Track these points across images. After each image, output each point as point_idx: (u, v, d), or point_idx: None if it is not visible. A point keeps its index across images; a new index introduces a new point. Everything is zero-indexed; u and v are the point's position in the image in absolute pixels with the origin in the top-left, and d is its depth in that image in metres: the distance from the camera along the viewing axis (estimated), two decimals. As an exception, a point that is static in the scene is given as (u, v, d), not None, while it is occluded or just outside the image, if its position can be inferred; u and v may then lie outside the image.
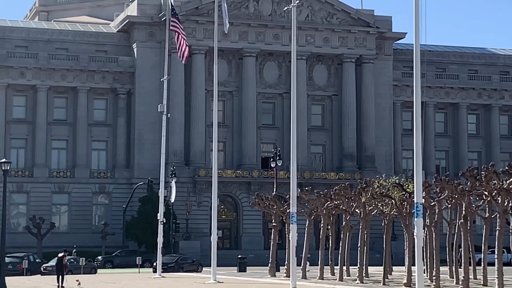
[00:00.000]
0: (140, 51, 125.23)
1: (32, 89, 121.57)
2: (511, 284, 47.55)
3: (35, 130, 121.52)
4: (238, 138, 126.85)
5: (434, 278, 48.16)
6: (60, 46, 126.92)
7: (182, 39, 75.49)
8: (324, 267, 67.07)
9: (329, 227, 68.13)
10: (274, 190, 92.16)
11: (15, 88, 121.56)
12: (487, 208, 49.33)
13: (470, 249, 49.78)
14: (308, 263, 68.18)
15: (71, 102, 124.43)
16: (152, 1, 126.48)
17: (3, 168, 55.04)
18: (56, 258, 65.49)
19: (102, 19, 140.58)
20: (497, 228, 42.95)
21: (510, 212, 44.66)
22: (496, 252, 42.54)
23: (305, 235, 67.79)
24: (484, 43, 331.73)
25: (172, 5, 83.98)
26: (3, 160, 57.09)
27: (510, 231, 48.71)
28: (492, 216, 47.87)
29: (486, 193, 44.02)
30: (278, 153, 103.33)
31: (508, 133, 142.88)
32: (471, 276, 50.65)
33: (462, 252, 49.00)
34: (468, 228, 49.51)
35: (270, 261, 75.38)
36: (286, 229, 66.88)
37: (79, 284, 56.06)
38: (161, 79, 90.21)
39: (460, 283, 46.66)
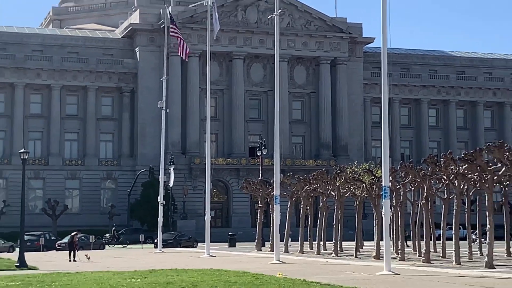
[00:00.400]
0: (142, 55, 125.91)
1: (47, 88, 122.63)
2: (466, 255, 48.76)
3: (50, 124, 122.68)
4: (228, 130, 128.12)
5: (399, 251, 50.61)
6: (72, 50, 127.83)
7: (182, 41, 78.26)
8: (304, 242, 68.86)
9: (308, 207, 69.61)
10: (260, 175, 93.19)
11: (32, 87, 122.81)
12: (445, 190, 51.87)
13: (431, 226, 51.62)
14: (290, 239, 70.71)
15: (82, 99, 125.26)
16: (152, 11, 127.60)
17: (22, 157, 56.65)
18: (69, 236, 67.33)
19: (109, 27, 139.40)
20: (454, 207, 45.72)
21: (465, 193, 48.50)
22: (453, 229, 45.97)
23: (287, 215, 69.51)
24: (443, 46, 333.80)
25: (170, 14, 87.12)
26: (22, 150, 58.56)
27: (465, 210, 50.42)
28: (450, 197, 51.13)
29: (445, 177, 47.09)
30: (263, 143, 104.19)
31: (464, 125, 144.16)
32: (432, 250, 52.19)
33: (424, 229, 50.01)
34: (429, 207, 51.40)
35: (256, 238, 77.45)
36: (270, 210, 70.28)
37: (89, 258, 58.77)
38: (161, 79, 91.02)
39: (422, 255, 48.35)
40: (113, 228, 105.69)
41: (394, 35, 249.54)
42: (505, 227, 53.00)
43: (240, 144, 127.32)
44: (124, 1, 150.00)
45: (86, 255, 60.28)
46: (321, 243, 65.91)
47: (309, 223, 71.20)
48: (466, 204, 50.58)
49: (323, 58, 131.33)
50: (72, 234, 65.48)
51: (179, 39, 76.02)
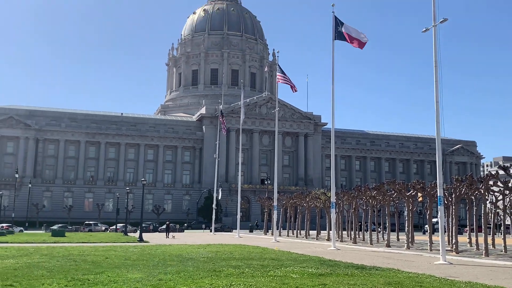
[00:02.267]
0: (206, 129, 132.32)
1: (156, 146, 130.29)
2: (379, 240, 51.63)
3: (157, 166, 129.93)
4: (249, 170, 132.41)
5: (341, 237, 52.95)
6: (170, 127, 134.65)
7: (224, 124, 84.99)
8: (289, 231, 74.47)
9: (291, 212, 75.21)
10: (266, 194, 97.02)
11: (148, 147, 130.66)
12: (364, 204, 53.50)
13: (356, 224, 53.29)
14: (281, 229, 73.84)
15: (174, 153, 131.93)
16: (212, 107, 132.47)
17: (142, 183, 61.00)
18: (165, 224, 73.81)
19: (189, 115, 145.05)
20: (369, 214, 50.15)
21: (374, 206, 50.62)
22: (368, 225, 49.85)
23: (280, 215, 72.29)
24: (363, 126, 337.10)
25: (221, 109, 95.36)
26: (143, 179, 62.60)
27: (375, 214, 52.90)
28: (366, 208, 53.59)
29: (364, 197, 50.68)
30: (268, 177, 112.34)
31: (374, 170, 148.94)
32: (360, 237, 54.51)
33: (353, 225, 53.31)
34: (355, 214, 54.94)
35: (264, 227, 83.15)
36: (271, 213, 68.99)
37: (174, 237, 63.43)
38: (215, 142, 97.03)
39: (352, 240, 52.27)
40: (189, 221, 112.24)
41: (337, 121, 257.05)
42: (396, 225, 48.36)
43: (256, 177, 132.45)
44: (197, 102, 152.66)
45: (173, 236, 65.42)
46: (299, 231, 70.72)
47: (292, 221, 75.81)
48: (375, 212, 52.66)
49: (300, 133, 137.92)
50: (167, 223, 72.70)
51: (223, 123, 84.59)
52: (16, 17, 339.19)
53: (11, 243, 45.12)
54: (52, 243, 46.16)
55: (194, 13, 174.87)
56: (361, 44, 39.96)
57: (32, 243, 45.77)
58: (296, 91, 54.99)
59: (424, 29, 31.81)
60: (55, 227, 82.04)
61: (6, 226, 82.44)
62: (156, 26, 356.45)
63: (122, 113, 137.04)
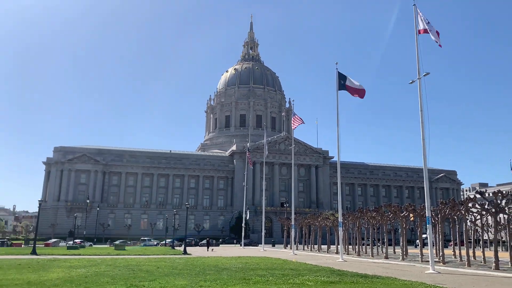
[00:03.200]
0: (236, 163, 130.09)
1: (197, 176, 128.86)
2: (378, 252, 50.68)
3: (198, 192, 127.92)
4: (271, 195, 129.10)
5: (347, 253, 48.93)
6: (209, 161, 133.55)
7: (249, 158, 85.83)
8: (304, 246, 72.59)
9: (306, 230, 73.59)
10: (285, 215, 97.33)
11: (190, 177, 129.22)
12: (367, 223, 53.03)
13: (359, 239, 52.24)
14: (297, 244, 72.73)
15: (210, 182, 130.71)
16: (241, 144, 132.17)
17: (186, 206, 61.06)
18: (205, 240, 74.27)
19: (223, 151, 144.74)
20: (370, 231, 50.74)
21: (375, 225, 50.15)
22: (370, 240, 49.34)
23: (297, 233, 72.33)
24: (364, 158, 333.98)
25: (248, 147, 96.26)
26: (186, 203, 62.17)
27: (375, 231, 51.97)
28: (367, 226, 52.83)
29: (366, 217, 50.25)
30: (286, 201, 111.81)
31: (373, 194, 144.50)
32: (364, 250, 52.88)
33: (357, 240, 52.38)
34: (359, 231, 53.82)
35: (283, 243, 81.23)
36: (290, 230, 70.37)
37: (213, 250, 63.25)
38: (244, 173, 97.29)
39: (356, 252, 51.77)
40: (223, 237, 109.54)
41: (341, 154, 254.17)
42: (384, 240, 48.70)
43: (277, 201, 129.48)
44: (229, 141, 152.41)
45: (212, 249, 65.15)
46: (312, 246, 68.70)
47: (307, 237, 74.04)
48: (375, 229, 51.92)
49: (312, 165, 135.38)
50: (207, 239, 72.02)
51: (249, 158, 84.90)
52: (66, 77, 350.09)
53: (82, 255, 45.59)
54: (115, 255, 46.33)
55: (226, 71, 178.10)
56: (362, 94, 39.92)
57: (99, 255, 46.04)
58: (304, 123, 55.15)
59: (411, 81, 31.77)
60: (117, 242, 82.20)
61: (79, 241, 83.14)
62: (198, 82, 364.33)
63: (170, 151, 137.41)
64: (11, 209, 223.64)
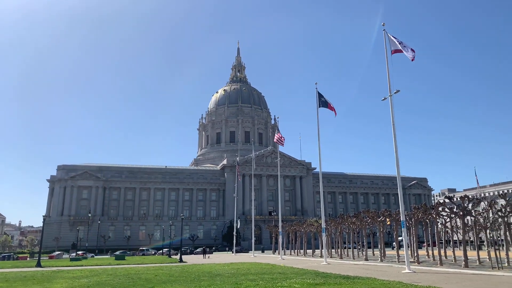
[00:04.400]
0: (227, 175, 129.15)
1: (191, 190, 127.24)
2: (358, 255, 51.16)
3: (192, 204, 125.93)
4: (260, 204, 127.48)
5: (330, 256, 49.90)
6: (201, 175, 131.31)
7: (239, 172, 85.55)
8: (291, 251, 72.06)
9: (292, 236, 73.07)
10: (273, 222, 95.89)
11: (184, 190, 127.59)
12: (347, 228, 52.60)
13: (341, 243, 51.99)
14: (285, 249, 71.98)
15: (203, 194, 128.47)
16: (231, 159, 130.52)
17: (181, 217, 60.20)
18: (201, 248, 74.71)
19: (215, 165, 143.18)
20: (351, 236, 52.07)
21: (355, 230, 50.68)
22: (351, 243, 51.11)
23: (284, 239, 71.86)
24: (343, 169, 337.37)
25: (237, 161, 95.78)
26: (181, 215, 60.63)
27: (355, 235, 52.84)
28: (348, 231, 52.63)
29: (347, 223, 50.05)
30: (274, 209, 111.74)
31: (353, 201, 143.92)
32: (345, 254, 53.62)
33: (339, 244, 51.90)
34: (340, 235, 53.96)
35: (272, 249, 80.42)
36: (278, 237, 69.50)
37: (209, 257, 62.81)
38: (234, 185, 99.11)
39: (339, 256, 50.85)
40: (216, 245, 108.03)
41: (324, 165, 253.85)
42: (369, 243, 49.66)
43: (265, 210, 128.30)
44: (220, 155, 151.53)
45: (208, 256, 64.95)
46: (298, 251, 68.34)
47: (293, 242, 73.54)
48: (355, 234, 52.36)
49: (296, 176, 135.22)
50: (204, 247, 70.81)
51: (238, 171, 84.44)
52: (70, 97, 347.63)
53: (85, 266, 44.62)
54: (115, 265, 45.49)
55: (217, 92, 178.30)
56: (335, 112, 40.94)
57: (101, 265, 45.15)
58: (284, 139, 55.20)
59: (383, 98, 32.10)
60: (117, 252, 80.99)
61: (81, 253, 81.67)
62: (190, 103, 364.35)
63: (166, 166, 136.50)
64: (17, 225, 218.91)
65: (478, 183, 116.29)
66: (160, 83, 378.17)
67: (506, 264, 28.35)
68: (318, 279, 21.77)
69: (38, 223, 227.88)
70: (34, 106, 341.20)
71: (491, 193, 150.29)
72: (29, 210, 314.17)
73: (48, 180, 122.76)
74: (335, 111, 40.73)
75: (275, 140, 55.95)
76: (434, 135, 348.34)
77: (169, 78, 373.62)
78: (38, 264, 45.61)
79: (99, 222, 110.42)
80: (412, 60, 28.64)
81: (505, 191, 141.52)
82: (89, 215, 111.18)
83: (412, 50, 28.87)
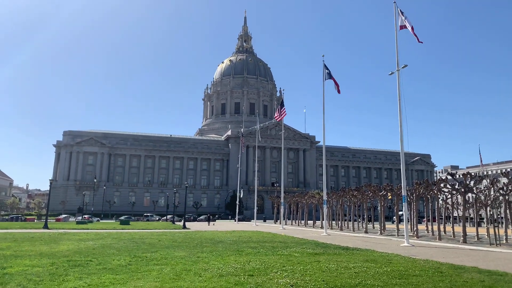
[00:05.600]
0: (231, 146, 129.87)
1: (196, 159, 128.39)
2: (357, 227, 50.91)
3: (197, 172, 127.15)
4: (263, 175, 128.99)
5: (330, 227, 50.95)
6: (207, 144, 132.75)
7: (243, 142, 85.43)
8: (292, 221, 72.38)
9: (294, 207, 73.01)
10: (275, 193, 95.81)
11: (188, 159, 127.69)
12: (348, 201, 52.64)
13: (342, 216, 52.08)
14: (286, 219, 71.63)
15: (208, 164, 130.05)
16: (236, 130, 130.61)
17: (186, 185, 60.86)
18: (205, 216, 75.51)
19: (219, 135, 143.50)
20: (352, 208, 51.34)
21: (356, 203, 50.10)
22: (351, 217, 49.55)
23: (286, 209, 70.10)
24: (347, 143, 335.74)
25: (241, 132, 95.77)
26: (186, 182, 60.88)
27: (356, 208, 52.51)
28: (350, 204, 52.33)
29: (348, 195, 49.22)
30: (276, 181, 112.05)
31: (355, 175, 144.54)
32: (345, 226, 52.56)
33: (340, 217, 52.29)
34: (341, 208, 53.87)
35: (274, 219, 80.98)
36: (279, 207, 67.09)
37: (214, 224, 63.72)
38: (238, 156, 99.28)
39: (339, 227, 50.55)
40: (219, 214, 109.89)
41: (328, 139, 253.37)
42: (369, 217, 49.80)
43: (268, 181, 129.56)
44: (225, 126, 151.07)
45: (213, 224, 65.86)
46: (299, 221, 69.05)
47: (294, 213, 73.77)
48: (356, 207, 52.30)
49: (300, 148, 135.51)
50: (208, 215, 71.69)
51: (243, 142, 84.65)
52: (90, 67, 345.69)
53: (90, 229, 45.18)
54: (120, 229, 45.80)
55: (222, 62, 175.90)
56: (338, 90, 40.20)
57: (106, 229, 45.55)
58: (285, 114, 54.56)
59: (390, 72, 31.56)
60: (122, 217, 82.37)
61: (87, 217, 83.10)
62: (195, 72, 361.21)
63: (171, 135, 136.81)
64: (25, 188, 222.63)
65: (481, 161, 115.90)
66: (166, 51, 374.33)
67: (505, 241, 28.39)
68: (318, 249, 21.93)
69: (45, 186, 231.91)
70: (41, 72, 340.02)
71: (494, 171, 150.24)
72: (36, 174, 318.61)
73: (54, 145, 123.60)
74: (338, 89, 40.20)
75: (275, 117, 55.29)
76: (441, 109, 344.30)
77: (175, 47, 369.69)
78: (45, 226, 46.25)
79: (104, 187, 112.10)
80: (418, 40, 28.13)
81: (508, 169, 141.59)
82: (95, 180, 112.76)
83: (412, 28, 28.23)
